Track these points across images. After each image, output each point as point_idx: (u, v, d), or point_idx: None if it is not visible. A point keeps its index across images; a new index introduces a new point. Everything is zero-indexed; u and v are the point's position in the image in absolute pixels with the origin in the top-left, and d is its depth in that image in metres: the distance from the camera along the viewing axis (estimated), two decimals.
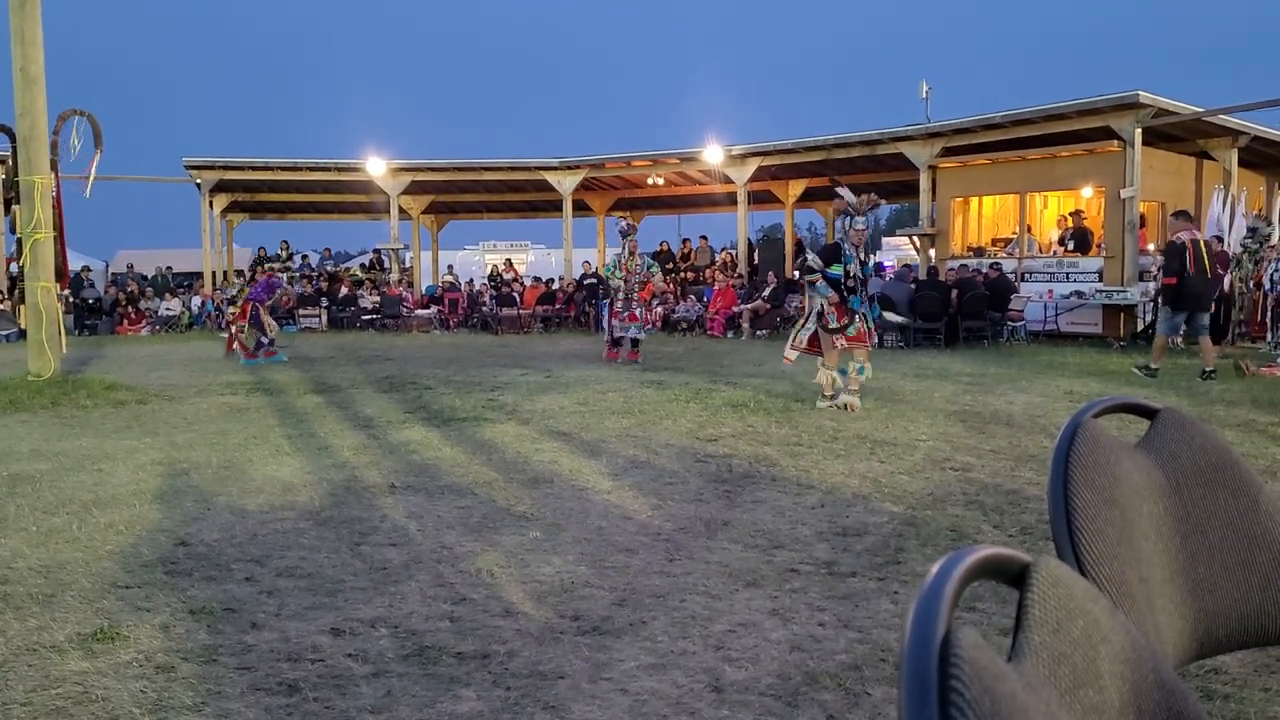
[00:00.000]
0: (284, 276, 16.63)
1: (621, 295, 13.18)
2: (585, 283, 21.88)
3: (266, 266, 15.04)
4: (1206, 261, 10.55)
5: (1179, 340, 11.98)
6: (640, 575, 4.04)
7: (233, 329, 14.68)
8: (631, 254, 13.29)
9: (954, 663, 0.57)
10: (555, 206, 24.79)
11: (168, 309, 22.77)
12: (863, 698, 2.87)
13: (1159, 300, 11.97)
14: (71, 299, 19.95)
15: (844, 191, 8.81)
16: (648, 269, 13.56)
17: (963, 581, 0.64)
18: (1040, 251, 17.17)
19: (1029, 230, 17.57)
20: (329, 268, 26.42)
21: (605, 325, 14.25)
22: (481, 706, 2.83)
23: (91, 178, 13.33)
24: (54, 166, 11.26)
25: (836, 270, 8.54)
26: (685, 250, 24.78)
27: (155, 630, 3.43)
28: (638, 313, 13.28)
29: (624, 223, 13.70)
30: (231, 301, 15.04)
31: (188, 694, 2.92)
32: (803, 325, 8.95)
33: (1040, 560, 0.71)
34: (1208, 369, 10.36)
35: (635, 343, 13.13)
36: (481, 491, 5.56)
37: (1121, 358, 12.72)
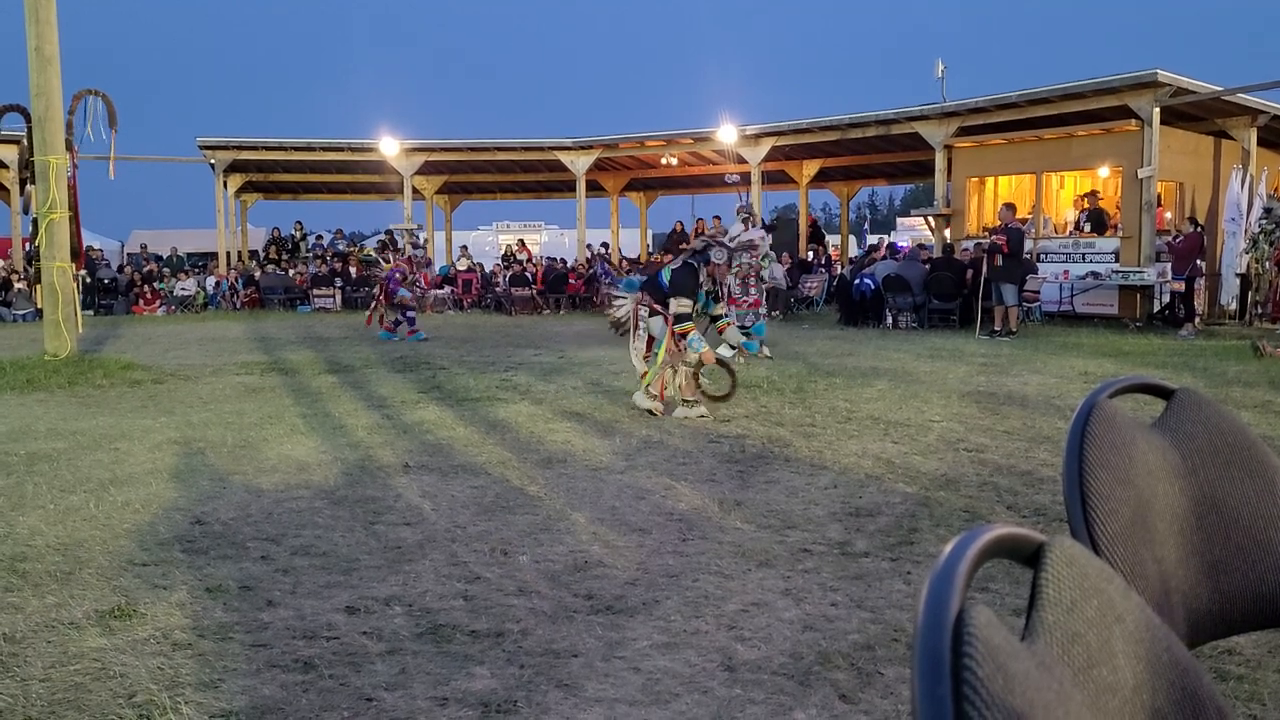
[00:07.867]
0: (420, 252, 16.19)
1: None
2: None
3: (398, 248, 15.03)
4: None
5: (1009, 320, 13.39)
6: (653, 555, 4.06)
7: (378, 303, 15.27)
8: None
9: (967, 641, 0.57)
10: (569, 187, 24.74)
11: (183, 289, 22.85)
12: (875, 677, 2.88)
13: (1002, 275, 13.39)
14: (87, 279, 20.08)
15: None
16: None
17: (976, 561, 0.63)
18: (1056, 232, 17.02)
19: (1044, 210, 17.44)
20: (341, 248, 26.46)
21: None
22: (495, 684, 2.85)
23: (113, 159, 13.41)
24: (69, 147, 11.31)
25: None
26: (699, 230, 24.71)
27: (172, 607, 3.46)
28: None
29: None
30: (375, 284, 15.40)
31: (204, 670, 2.95)
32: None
33: (1054, 540, 0.71)
34: (1012, 330, 13.14)
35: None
36: (495, 471, 5.58)
37: (1138, 338, 12.66)
